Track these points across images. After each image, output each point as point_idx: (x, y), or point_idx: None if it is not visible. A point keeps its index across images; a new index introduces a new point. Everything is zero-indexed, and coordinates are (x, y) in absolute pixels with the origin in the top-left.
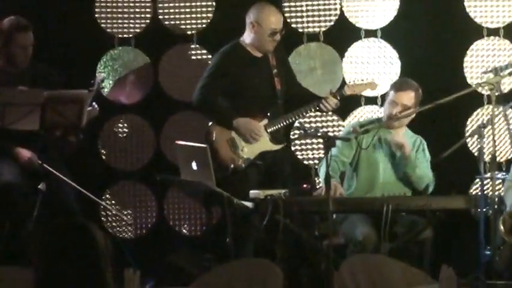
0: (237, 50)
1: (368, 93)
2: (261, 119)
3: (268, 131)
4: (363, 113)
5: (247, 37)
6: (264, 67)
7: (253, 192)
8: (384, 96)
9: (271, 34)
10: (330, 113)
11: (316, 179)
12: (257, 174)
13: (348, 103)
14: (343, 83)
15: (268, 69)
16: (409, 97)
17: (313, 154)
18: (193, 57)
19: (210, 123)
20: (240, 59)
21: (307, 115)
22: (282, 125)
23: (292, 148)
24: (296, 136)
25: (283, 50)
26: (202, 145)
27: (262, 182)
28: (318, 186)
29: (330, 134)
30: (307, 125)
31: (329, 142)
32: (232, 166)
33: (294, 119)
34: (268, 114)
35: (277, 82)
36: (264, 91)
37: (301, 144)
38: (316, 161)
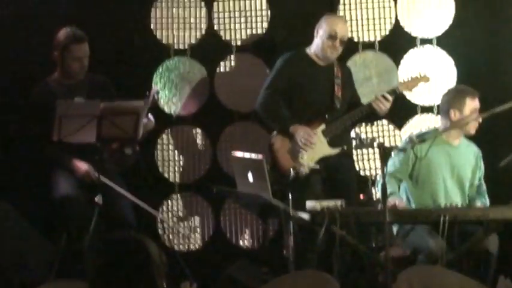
0: (300, 55)
1: (422, 96)
2: (319, 124)
3: (327, 136)
4: (419, 122)
5: (312, 45)
6: (326, 75)
7: (309, 204)
8: (439, 105)
9: (330, 37)
10: (385, 122)
11: (373, 189)
12: (320, 181)
13: (404, 111)
14: None
15: (330, 78)
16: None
17: (369, 164)
18: (249, 67)
19: (273, 134)
20: (301, 65)
21: (363, 123)
22: (340, 129)
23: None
24: (352, 146)
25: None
26: (259, 157)
27: (326, 189)
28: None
29: (387, 144)
30: (363, 135)
31: (386, 152)
32: (293, 173)
33: (350, 122)
34: (327, 116)
35: (337, 89)
36: (322, 96)
37: (357, 155)
38: (373, 172)
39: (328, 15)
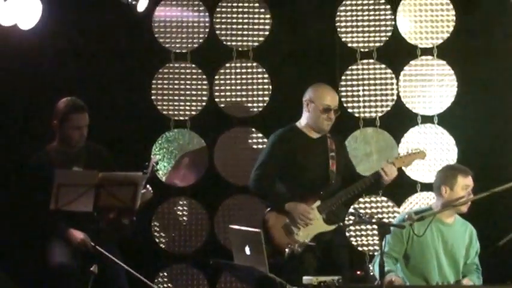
0: (292, 131)
1: (422, 173)
2: (314, 201)
3: (322, 212)
4: (419, 200)
5: (303, 119)
6: (319, 148)
7: (306, 279)
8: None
9: (325, 110)
10: (384, 198)
11: (370, 266)
12: (313, 259)
13: (404, 189)
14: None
15: (324, 151)
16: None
17: (367, 240)
18: (249, 141)
19: (267, 210)
20: (294, 140)
21: (362, 200)
22: (335, 205)
23: (347, 234)
24: (350, 222)
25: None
26: (256, 230)
27: (319, 266)
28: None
29: (385, 220)
30: (361, 211)
31: (384, 229)
32: (287, 251)
33: (346, 197)
34: (322, 193)
35: (332, 164)
36: (317, 172)
37: (355, 230)
38: (371, 248)
39: (315, 88)
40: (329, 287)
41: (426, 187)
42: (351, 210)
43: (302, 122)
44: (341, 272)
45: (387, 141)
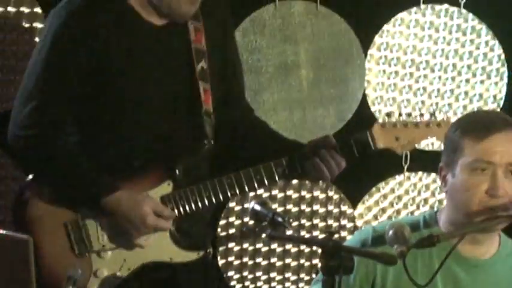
0: (107, 6)
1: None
2: (153, 184)
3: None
4: (407, 189)
5: None
6: (171, 52)
7: None
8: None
9: None
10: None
11: None
12: None
13: (370, 160)
14: (370, 117)
15: (182, 58)
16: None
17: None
18: None
19: (29, 178)
20: (109, 29)
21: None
22: (202, 203)
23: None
24: (246, 230)
25: (228, 15)
26: (20, 235)
27: None
28: None
29: (335, 236)
30: (277, 211)
31: (337, 260)
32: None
33: (232, 192)
34: (177, 169)
35: (205, 92)
36: (166, 113)
37: (255, 254)
38: None
39: None
40: None
41: (421, 159)
42: (253, 205)
43: None
44: None
45: (339, 36)
